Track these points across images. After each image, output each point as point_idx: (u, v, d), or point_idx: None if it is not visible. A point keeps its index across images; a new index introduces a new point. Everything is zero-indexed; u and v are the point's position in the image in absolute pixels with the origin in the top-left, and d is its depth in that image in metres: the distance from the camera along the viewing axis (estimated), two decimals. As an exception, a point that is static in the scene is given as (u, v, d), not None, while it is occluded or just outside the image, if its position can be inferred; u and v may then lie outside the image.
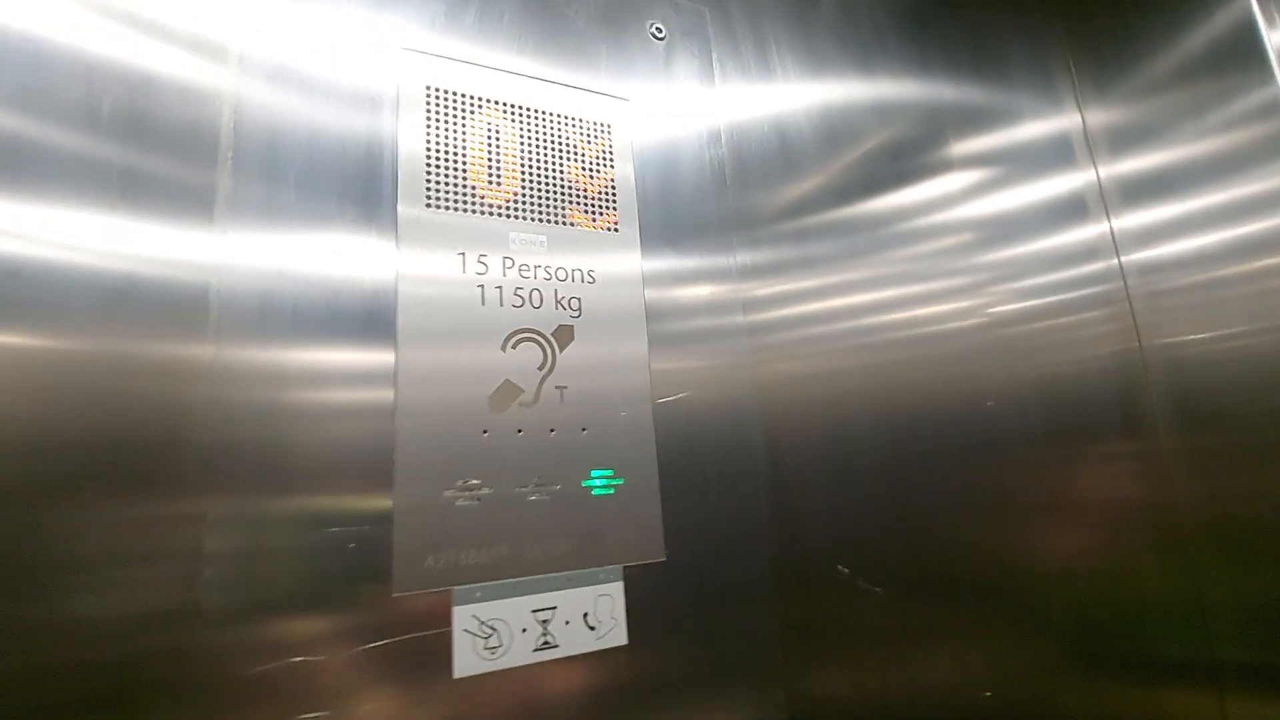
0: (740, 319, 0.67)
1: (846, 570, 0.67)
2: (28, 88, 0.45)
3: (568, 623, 0.53)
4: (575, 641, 0.53)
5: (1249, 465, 0.87)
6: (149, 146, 0.47)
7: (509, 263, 0.57)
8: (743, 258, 0.69)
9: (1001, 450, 0.81)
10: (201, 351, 0.46)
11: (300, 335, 0.49)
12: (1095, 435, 0.91)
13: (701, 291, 0.66)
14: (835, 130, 0.81)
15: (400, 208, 0.54)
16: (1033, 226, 0.96)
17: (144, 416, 0.44)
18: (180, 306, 0.46)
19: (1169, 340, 0.97)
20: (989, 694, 0.72)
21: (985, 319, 0.86)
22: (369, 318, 0.52)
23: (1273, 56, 0.88)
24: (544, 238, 0.59)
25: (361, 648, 0.46)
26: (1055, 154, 1.03)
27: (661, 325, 0.63)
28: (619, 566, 0.56)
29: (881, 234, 0.81)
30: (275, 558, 0.46)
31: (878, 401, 0.74)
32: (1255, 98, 0.89)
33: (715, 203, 0.69)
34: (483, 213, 0.57)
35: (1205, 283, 0.95)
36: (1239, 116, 0.91)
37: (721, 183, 0.70)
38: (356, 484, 0.49)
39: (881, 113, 0.86)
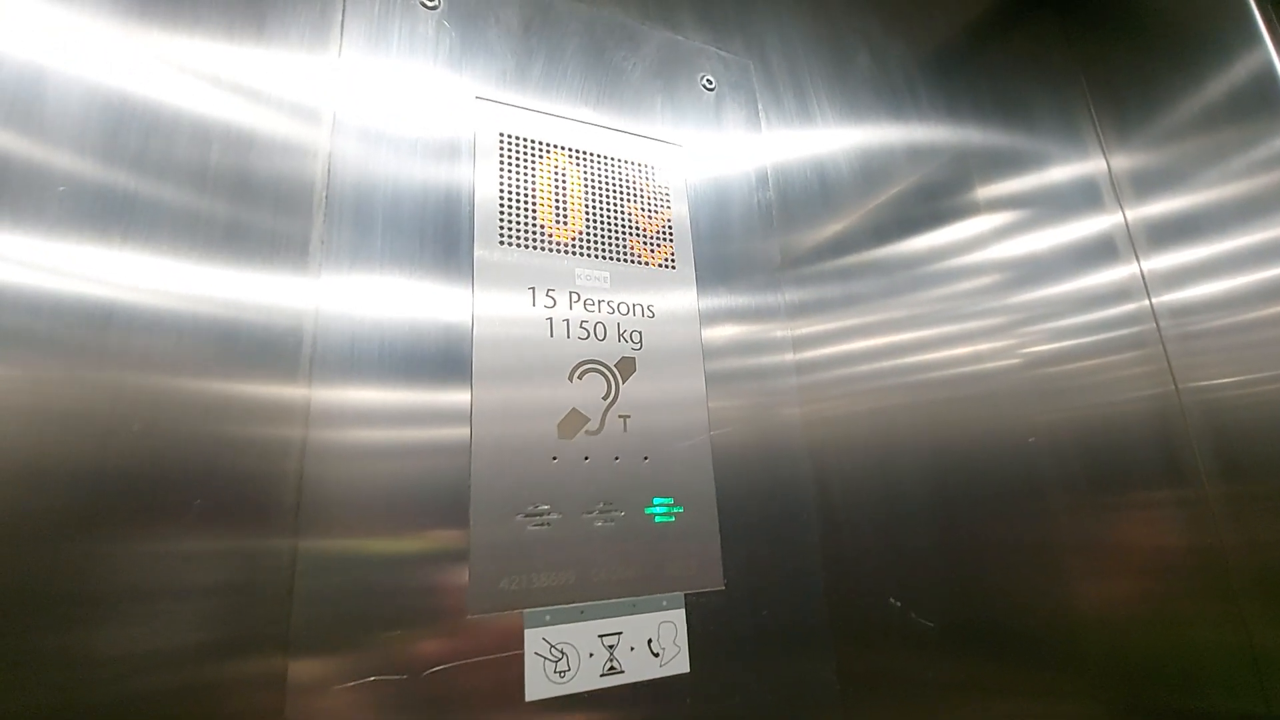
0: (790, 357, 0.70)
1: (899, 603, 0.68)
2: (143, 149, 0.48)
3: (632, 648, 0.54)
4: (640, 668, 0.54)
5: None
6: (250, 200, 0.51)
7: (575, 297, 0.60)
8: (790, 296, 0.72)
9: (1043, 494, 0.82)
10: (295, 392, 0.49)
11: (385, 374, 0.52)
12: (1137, 480, 0.91)
13: (753, 327, 0.69)
14: (872, 172, 0.84)
15: (476, 249, 0.58)
16: (1063, 268, 0.98)
17: (242, 455, 0.46)
18: (277, 349, 0.49)
19: (1204, 383, 0.98)
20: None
21: (1019, 359, 0.88)
22: (448, 349, 0.54)
23: None
24: (607, 274, 0.62)
25: (439, 668, 0.48)
26: (1082, 197, 1.06)
27: (717, 359, 0.65)
28: (680, 594, 0.57)
29: (918, 273, 0.83)
30: (359, 583, 0.47)
31: (923, 441, 0.75)
32: (1278, 143, 0.92)
33: (763, 242, 0.72)
34: (551, 250, 0.60)
35: (1235, 325, 0.96)
36: (1262, 162, 0.93)
37: (769, 223, 0.74)
38: (435, 511, 0.50)
39: (914, 156, 0.89)
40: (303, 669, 0.44)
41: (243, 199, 0.51)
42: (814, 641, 0.62)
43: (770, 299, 0.71)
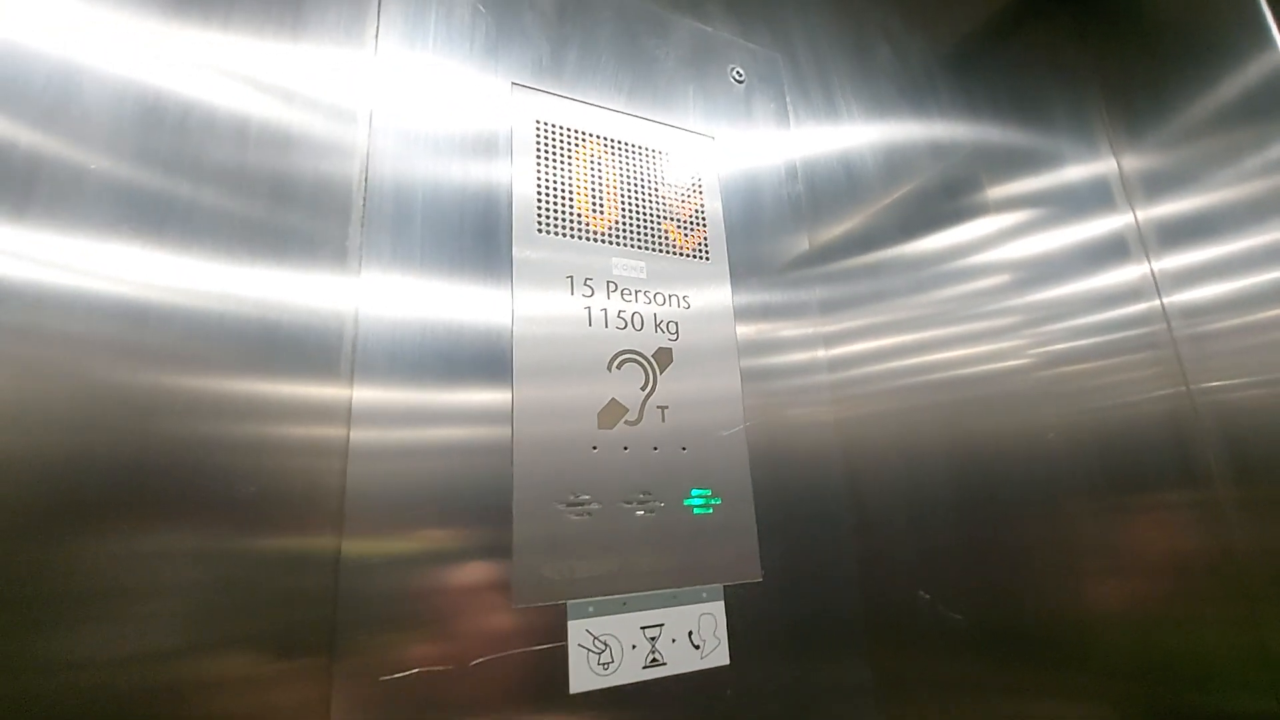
0: (822, 353, 0.69)
1: (927, 596, 0.67)
2: (179, 149, 0.47)
3: (674, 640, 0.53)
4: (681, 660, 0.53)
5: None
6: (288, 200, 0.50)
7: (612, 287, 0.59)
8: (820, 291, 0.72)
9: (1061, 493, 0.82)
10: (337, 392, 0.48)
11: (427, 366, 0.51)
12: (1152, 481, 0.92)
13: (786, 321, 0.68)
14: (895, 167, 0.84)
15: (515, 238, 0.57)
16: (1075, 267, 0.99)
17: (285, 454, 0.46)
18: (317, 349, 0.48)
19: (1216, 384, 0.99)
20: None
21: (1034, 359, 0.88)
22: (488, 341, 0.54)
23: None
24: (643, 264, 0.62)
25: (484, 659, 0.47)
26: (1094, 197, 1.06)
27: (751, 352, 0.65)
28: (720, 585, 0.57)
29: (940, 270, 0.83)
30: (403, 576, 0.46)
31: (947, 439, 0.75)
32: None
33: (794, 236, 0.72)
34: (588, 239, 0.60)
35: (1247, 326, 0.97)
36: (1276, 161, 0.94)
37: (800, 217, 0.73)
38: (478, 503, 0.50)
39: (936, 151, 0.90)
40: (348, 661, 0.43)
41: (281, 199, 0.50)
42: (848, 633, 0.61)
43: (802, 294, 0.70)
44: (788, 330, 0.68)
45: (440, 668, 0.45)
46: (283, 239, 0.49)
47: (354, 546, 0.45)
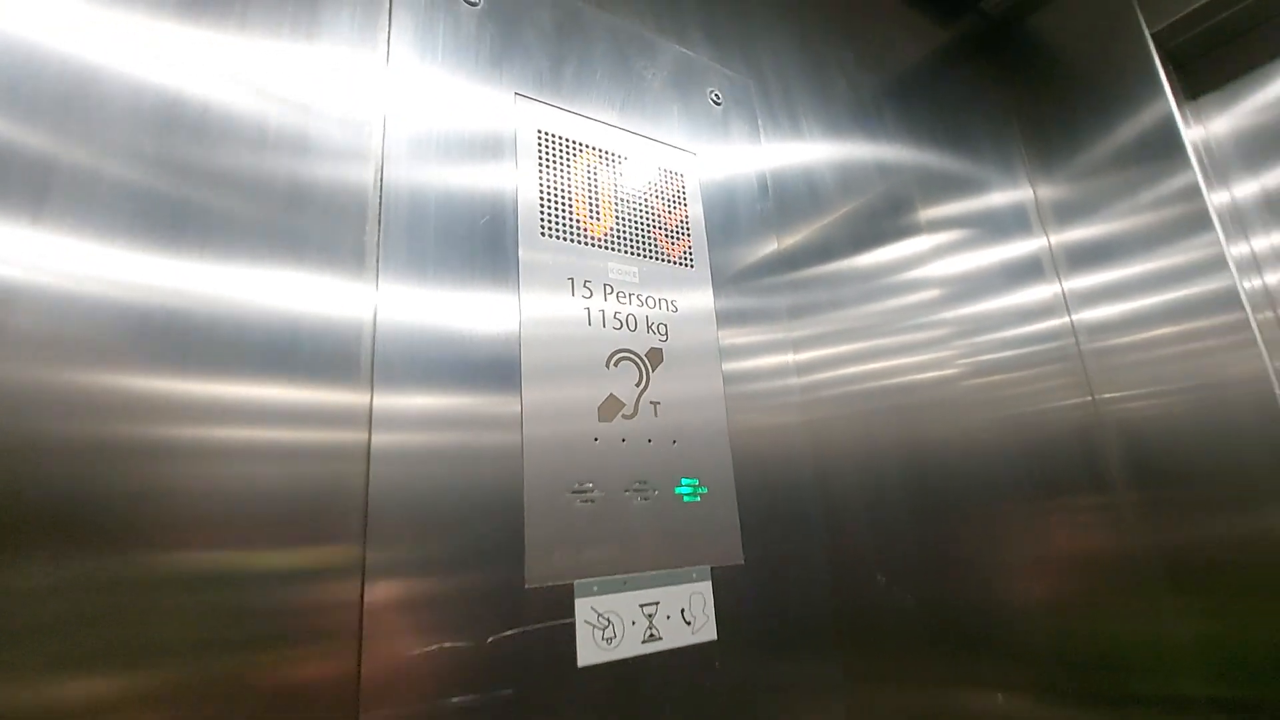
0: (791, 357, 0.76)
1: (883, 579, 0.75)
2: (194, 156, 0.48)
3: (669, 617, 0.58)
4: (676, 635, 0.58)
5: (1195, 518, 1.01)
6: (304, 206, 0.51)
7: (608, 289, 0.64)
8: (789, 299, 0.78)
9: (993, 493, 0.91)
10: (358, 398, 0.50)
11: (443, 365, 0.54)
12: (1066, 485, 1.01)
13: (760, 326, 0.74)
14: (849, 184, 0.92)
15: (521, 242, 0.60)
16: (998, 284, 1.09)
17: (306, 460, 0.47)
18: (336, 355, 0.50)
19: (1116, 395, 1.11)
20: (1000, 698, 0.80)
21: (964, 368, 0.97)
22: (498, 339, 0.57)
23: (1189, 148, 1.06)
24: (635, 269, 0.66)
25: (500, 635, 0.50)
26: (1014, 221, 1.18)
27: (731, 354, 0.71)
28: (707, 567, 0.61)
29: (886, 282, 0.92)
30: (427, 571, 0.49)
31: (899, 439, 0.83)
32: (1177, 181, 1.06)
33: (765, 246, 0.78)
34: (586, 243, 0.64)
35: (1140, 343, 1.10)
36: (1165, 197, 1.08)
37: (770, 226, 0.80)
38: (493, 490, 0.53)
39: (882, 171, 0.98)
40: (377, 643, 0.45)
41: (299, 203, 0.51)
42: (819, 610, 0.67)
43: (774, 300, 0.76)
44: (762, 335, 0.74)
45: (461, 644, 0.48)
46: (300, 243, 0.50)
47: (379, 548, 0.47)
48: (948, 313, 0.98)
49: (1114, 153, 1.16)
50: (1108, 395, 1.12)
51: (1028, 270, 1.15)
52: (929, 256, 0.99)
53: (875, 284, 0.90)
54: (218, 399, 0.45)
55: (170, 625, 0.40)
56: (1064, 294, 1.19)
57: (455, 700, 0.47)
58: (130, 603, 0.39)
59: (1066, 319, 1.17)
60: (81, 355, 0.41)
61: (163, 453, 0.42)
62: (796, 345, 0.77)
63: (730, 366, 0.70)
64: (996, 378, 1.01)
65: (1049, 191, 1.24)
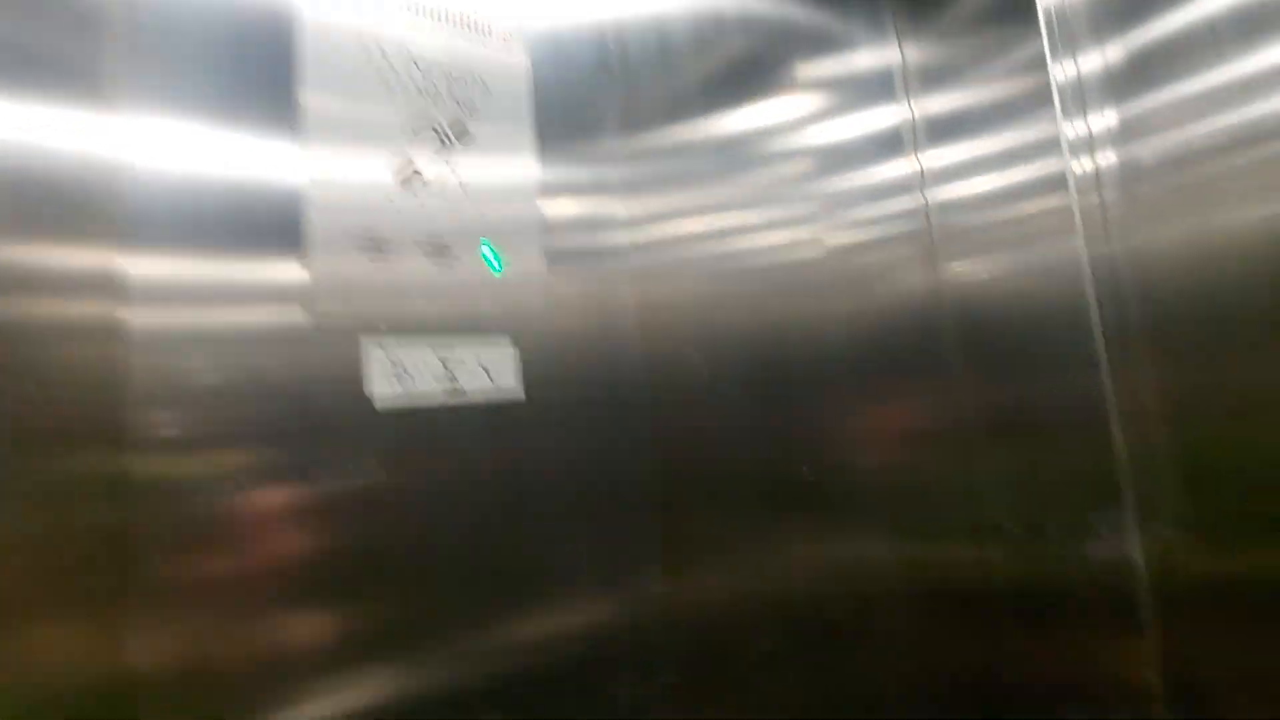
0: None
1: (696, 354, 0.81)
2: None
3: (471, 373, 0.63)
4: (478, 389, 0.63)
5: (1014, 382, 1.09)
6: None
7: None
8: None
9: (845, 373, 0.97)
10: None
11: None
12: (911, 365, 1.08)
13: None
14: (705, 40, 0.88)
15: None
16: (862, 158, 1.10)
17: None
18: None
19: (957, 276, 1.13)
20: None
21: (824, 249, 0.99)
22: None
23: (1040, 12, 1.04)
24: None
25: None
26: (880, 87, 1.16)
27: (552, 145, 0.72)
28: (508, 334, 0.66)
29: (743, 153, 0.90)
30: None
31: (745, 318, 0.86)
32: (1027, 50, 1.05)
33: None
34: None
35: (981, 224, 1.11)
36: (1015, 67, 1.07)
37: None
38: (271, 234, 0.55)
39: (745, 27, 0.94)
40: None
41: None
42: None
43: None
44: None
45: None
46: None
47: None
48: (806, 188, 0.98)
49: (974, 11, 1.13)
50: (949, 278, 1.15)
51: (890, 143, 1.15)
52: (788, 127, 0.98)
53: (729, 155, 0.88)
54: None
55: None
56: (921, 170, 1.18)
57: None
58: None
59: (920, 196, 1.17)
60: None
61: None
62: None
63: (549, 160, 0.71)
64: (854, 260, 1.04)
65: (915, 53, 1.21)
